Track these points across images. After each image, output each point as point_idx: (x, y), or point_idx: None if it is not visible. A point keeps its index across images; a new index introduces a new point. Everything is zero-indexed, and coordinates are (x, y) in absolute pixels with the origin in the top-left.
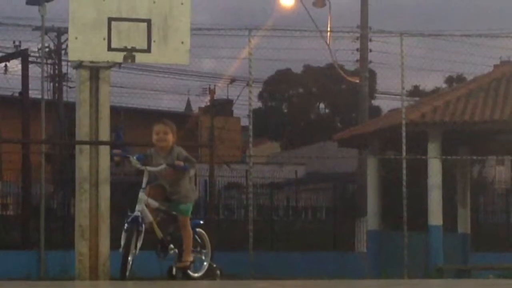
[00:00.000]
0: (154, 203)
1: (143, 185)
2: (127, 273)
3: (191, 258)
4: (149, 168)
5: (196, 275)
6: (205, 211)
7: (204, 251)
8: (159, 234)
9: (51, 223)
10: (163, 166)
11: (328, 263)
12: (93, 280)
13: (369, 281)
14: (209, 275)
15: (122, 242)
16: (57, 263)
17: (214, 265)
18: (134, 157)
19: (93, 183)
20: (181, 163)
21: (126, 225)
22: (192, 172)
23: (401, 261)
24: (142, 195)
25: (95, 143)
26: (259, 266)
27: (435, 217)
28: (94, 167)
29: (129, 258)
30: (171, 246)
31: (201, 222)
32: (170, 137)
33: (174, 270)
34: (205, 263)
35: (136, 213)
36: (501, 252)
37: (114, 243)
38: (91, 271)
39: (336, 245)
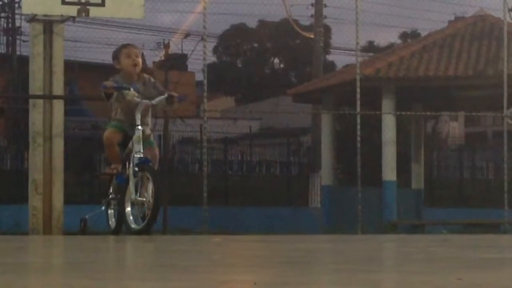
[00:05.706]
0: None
1: (138, 122)
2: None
3: None
4: (153, 101)
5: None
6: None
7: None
8: None
9: (4, 177)
10: (164, 96)
11: (282, 218)
12: (47, 234)
13: (323, 236)
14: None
15: (132, 189)
16: (10, 217)
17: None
18: (131, 89)
19: (46, 137)
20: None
21: (134, 168)
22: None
23: (355, 216)
24: (140, 132)
25: (48, 97)
26: (213, 221)
27: (389, 172)
28: (47, 121)
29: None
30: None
31: None
32: (141, 61)
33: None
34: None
35: (140, 154)
36: (454, 207)
37: (68, 198)
38: (45, 225)
39: (290, 200)
